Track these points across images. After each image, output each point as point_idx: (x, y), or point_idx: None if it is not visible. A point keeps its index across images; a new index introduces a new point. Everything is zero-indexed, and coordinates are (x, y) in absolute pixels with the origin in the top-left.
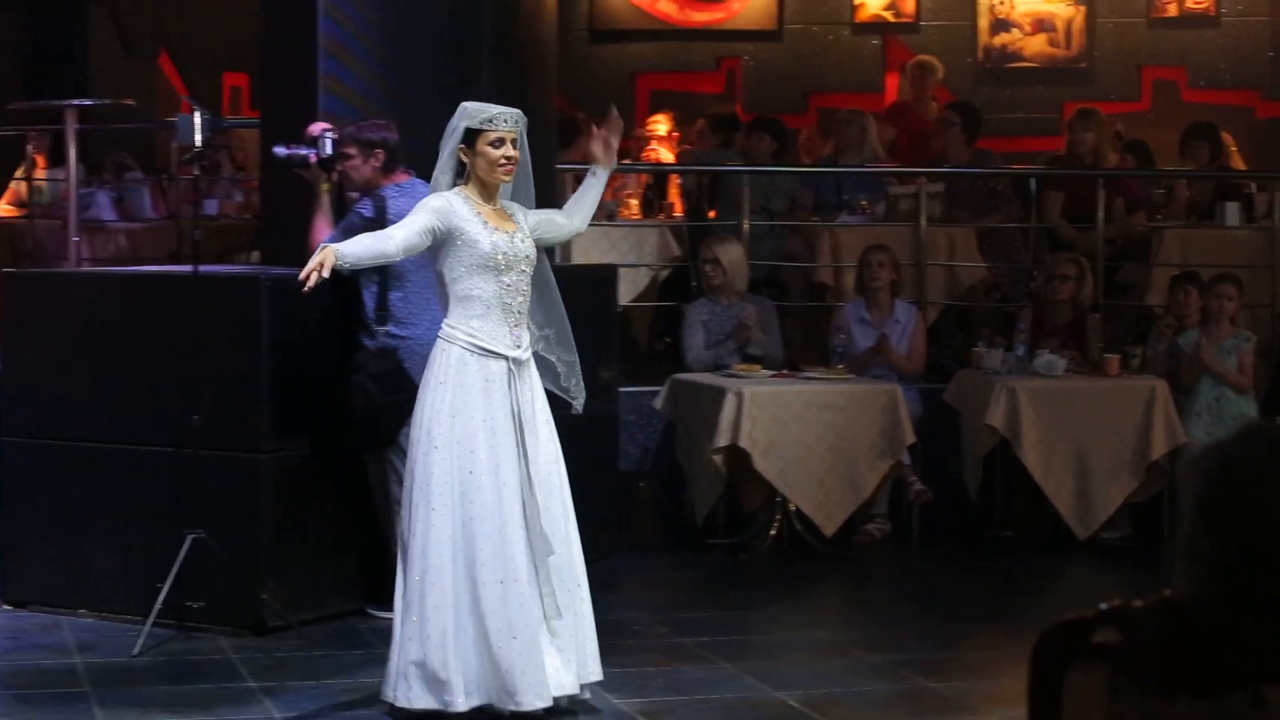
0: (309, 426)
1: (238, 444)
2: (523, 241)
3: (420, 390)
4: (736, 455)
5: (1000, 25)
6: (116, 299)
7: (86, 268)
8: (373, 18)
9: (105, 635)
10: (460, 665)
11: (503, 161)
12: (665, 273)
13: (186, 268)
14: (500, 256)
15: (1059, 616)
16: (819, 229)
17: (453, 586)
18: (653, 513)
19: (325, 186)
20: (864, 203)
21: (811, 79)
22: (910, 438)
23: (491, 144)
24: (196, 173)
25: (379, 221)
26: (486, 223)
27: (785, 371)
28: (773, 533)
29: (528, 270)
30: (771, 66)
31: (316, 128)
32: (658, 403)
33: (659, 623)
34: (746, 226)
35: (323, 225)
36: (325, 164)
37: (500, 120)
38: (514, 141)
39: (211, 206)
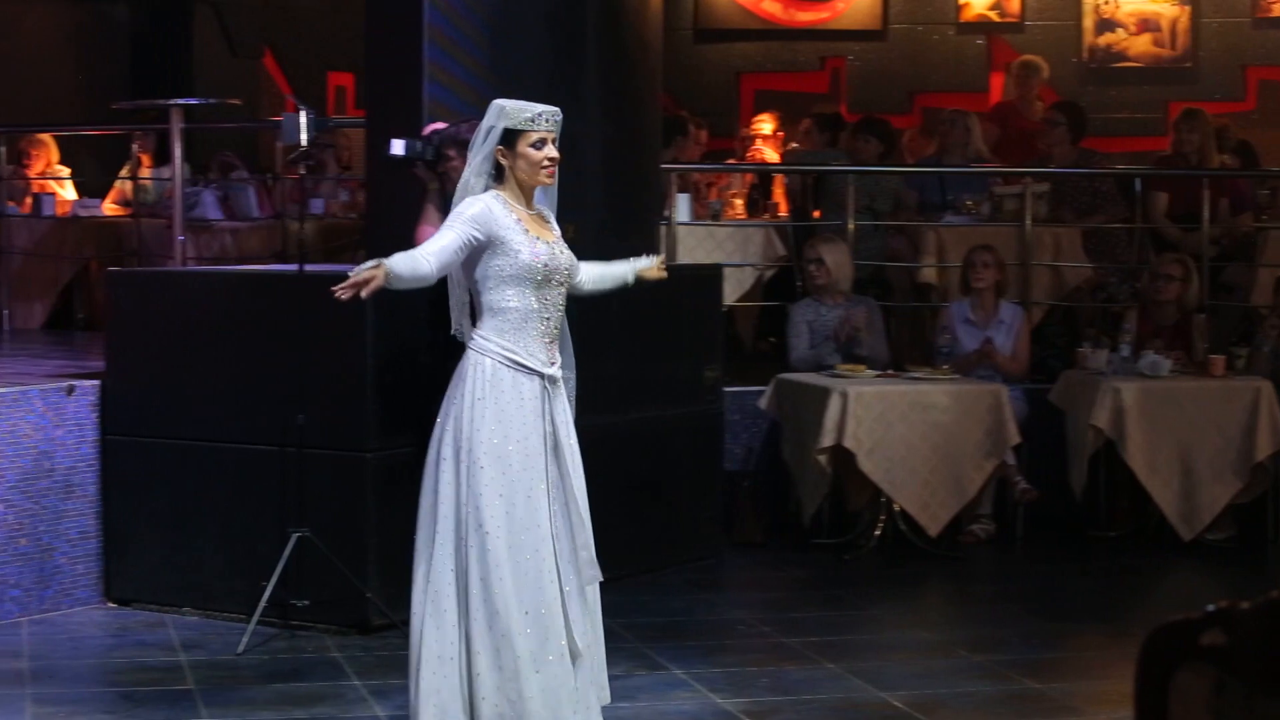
0: (413, 425)
1: (343, 443)
2: (562, 252)
3: (448, 403)
4: (841, 455)
5: (1105, 25)
6: (222, 298)
7: (192, 267)
8: (478, 16)
9: (210, 633)
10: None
11: (546, 163)
12: (770, 272)
13: (292, 267)
14: (541, 268)
15: (1165, 618)
16: (924, 229)
17: (504, 612)
18: (757, 512)
19: (433, 185)
20: (969, 203)
21: (916, 79)
22: (1015, 438)
23: (534, 145)
24: (302, 172)
25: None
26: (527, 231)
27: (890, 372)
28: (877, 533)
29: (565, 283)
30: (876, 66)
31: (430, 128)
32: (762, 402)
33: (763, 622)
34: (851, 226)
35: (428, 225)
36: (430, 164)
37: (542, 120)
38: (554, 141)
39: (317, 206)
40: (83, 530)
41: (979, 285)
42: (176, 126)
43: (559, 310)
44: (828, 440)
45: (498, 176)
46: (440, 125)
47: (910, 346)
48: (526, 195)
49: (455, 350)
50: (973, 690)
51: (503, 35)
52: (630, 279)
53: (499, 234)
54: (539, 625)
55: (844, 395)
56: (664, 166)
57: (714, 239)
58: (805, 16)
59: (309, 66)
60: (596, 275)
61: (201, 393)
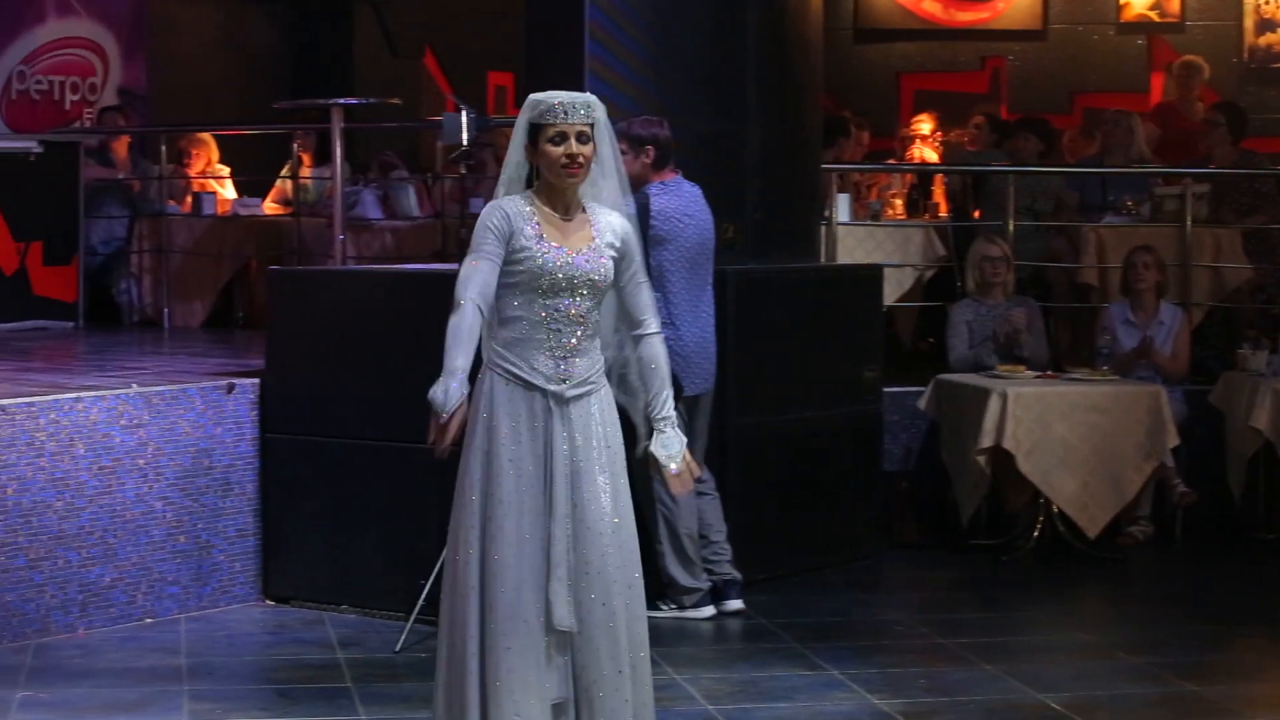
0: None
1: None
2: (590, 261)
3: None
4: (1000, 456)
5: (1266, 25)
6: (382, 297)
7: (352, 266)
8: (639, 15)
9: (368, 631)
10: None
11: (564, 161)
12: (930, 273)
13: (452, 265)
14: (547, 277)
15: None
16: (1084, 229)
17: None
18: (915, 513)
19: None
20: (1129, 203)
21: (1076, 79)
22: (1174, 440)
23: (551, 140)
24: (462, 171)
25: (640, 219)
26: (543, 236)
27: (1049, 372)
28: (1035, 534)
29: (590, 294)
30: (1036, 66)
31: None
32: (921, 403)
33: (921, 623)
34: (1011, 227)
35: None
36: None
37: (560, 111)
38: (581, 136)
39: (477, 205)
40: (241, 528)
41: (1139, 286)
42: (337, 126)
43: (575, 324)
44: (987, 441)
45: (534, 177)
46: None
47: (1070, 347)
48: (557, 195)
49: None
50: (1130, 692)
51: (664, 35)
52: (644, 432)
53: (512, 239)
54: (517, 664)
55: (1003, 396)
56: (824, 167)
57: (874, 239)
58: (965, 16)
59: (469, 66)
60: (641, 363)
61: (360, 391)
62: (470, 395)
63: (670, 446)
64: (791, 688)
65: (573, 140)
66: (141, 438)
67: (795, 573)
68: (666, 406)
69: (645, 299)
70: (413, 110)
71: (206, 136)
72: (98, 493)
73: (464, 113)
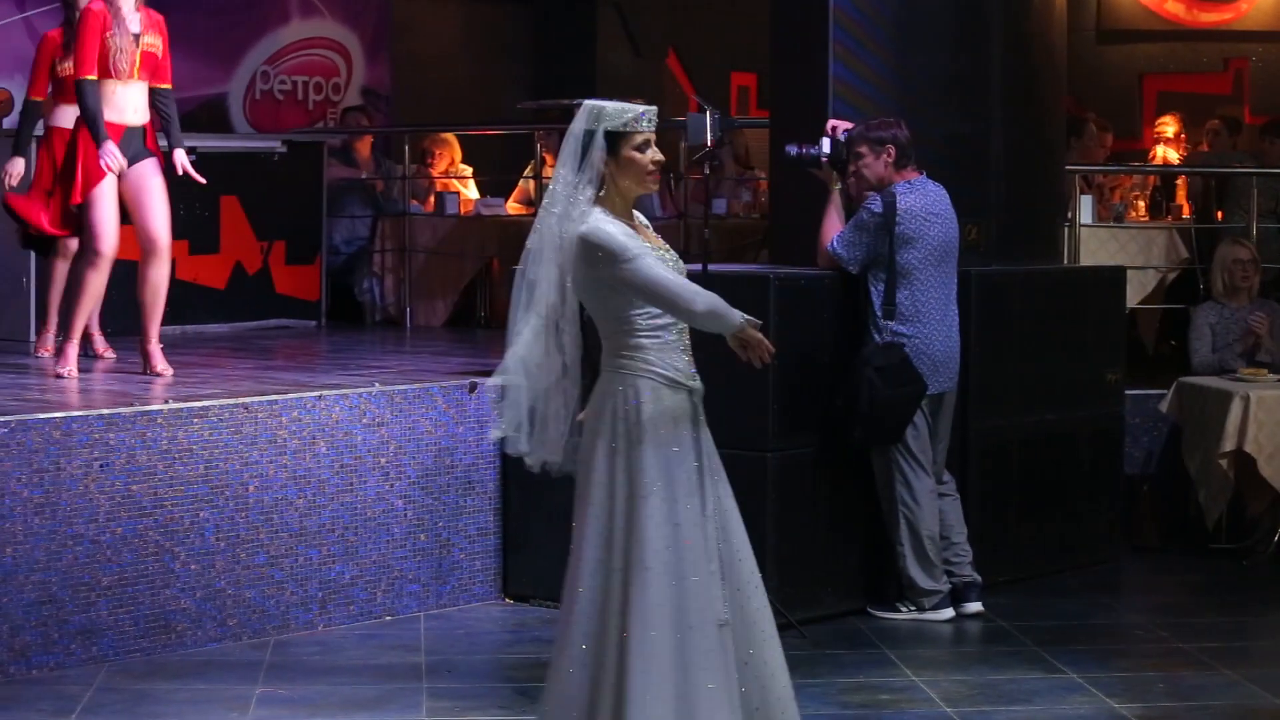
0: (813, 424)
1: (744, 442)
2: (672, 256)
3: (594, 431)
4: (1242, 459)
5: None
6: None
7: None
8: (883, 16)
9: None
10: None
11: (652, 167)
12: (1172, 275)
13: (696, 266)
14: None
15: None
16: None
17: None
18: (1155, 516)
19: (837, 185)
20: None
21: None
22: None
23: (638, 148)
24: (706, 172)
25: (887, 218)
26: (643, 243)
27: None
28: (1277, 539)
29: None
30: None
31: (831, 125)
32: (1163, 406)
33: (1160, 627)
34: (1255, 229)
35: (833, 223)
36: (837, 163)
37: (644, 120)
38: (654, 142)
39: (719, 206)
40: (481, 527)
41: None
42: None
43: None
44: (1229, 444)
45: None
46: (840, 123)
47: None
48: (628, 206)
49: (859, 348)
50: None
51: (906, 36)
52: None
53: None
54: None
55: (1245, 399)
56: (1067, 168)
57: (1117, 241)
58: (1208, 17)
59: (712, 66)
60: None
61: None
62: (599, 404)
63: None
64: (1030, 691)
65: (654, 147)
66: (383, 436)
67: (1035, 575)
68: None
69: None
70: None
71: (450, 136)
72: (339, 490)
73: (708, 113)
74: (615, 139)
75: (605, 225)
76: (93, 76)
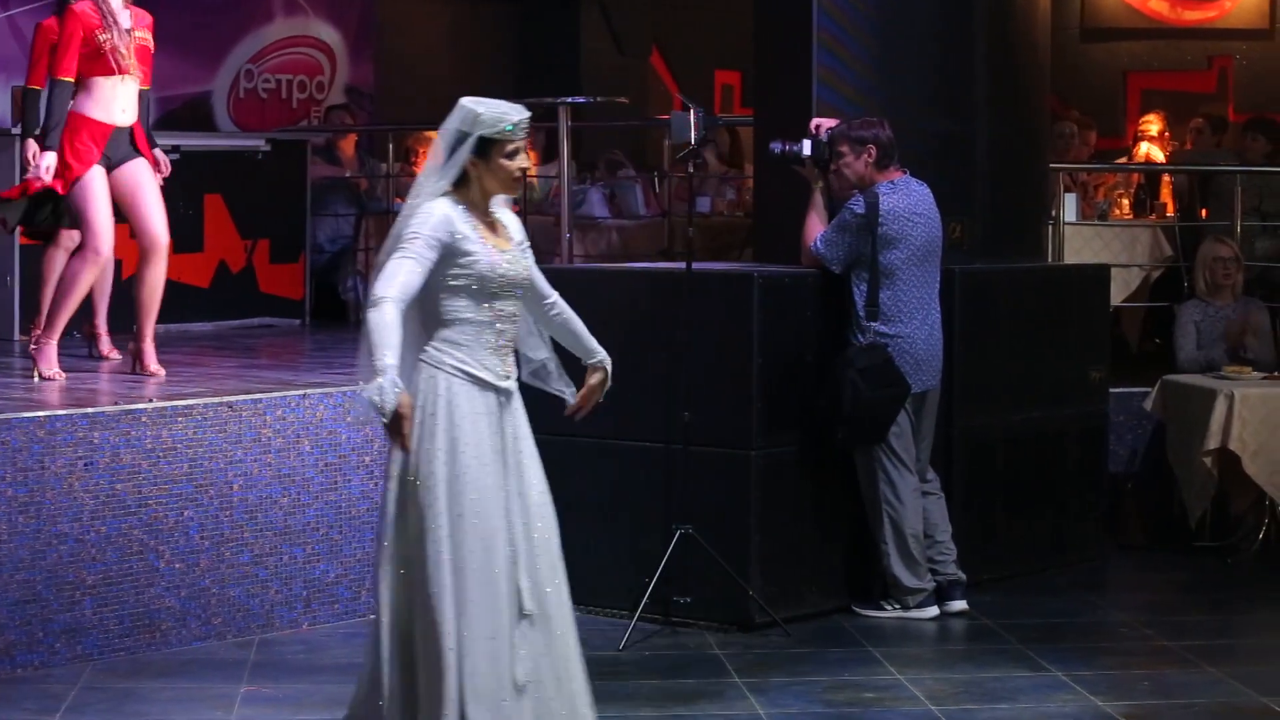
0: (798, 423)
1: (728, 440)
2: (518, 261)
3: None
4: (1226, 457)
5: None
6: (609, 295)
7: (578, 264)
8: (867, 15)
9: (592, 629)
10: None
11: (518, 175)
12: (1157, 273)
13: (679, 265)
14: (498, 278)
15: None
16: None
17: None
18: (1141, 514)
19: (819, 184)
20: None
21: None
22: None
23: (508, 156)
24: (690, 170)
25: (869, 218)
26: (484, 240)
27: (1276, 374)
28: (1261, 536)
29: (521, 293)
30: (1264, 66)
31: (815, 123)
32: (1148, 404)
33: (1145, 625)
34: (1239, 227)
35: (816, 223)
36: (819, 161)
37: (519, 129)
38: (525, 150)
39: (704, 204)
40: None
41: None
42: (564, 125)
43: (513, 322)
44: (1213, 442)
45: (457, 182)
46: (824, 121)
47: None
48: (487, 201)
49: (842, 347)
50: None
51: (891, 34)
52: (587, 362)
53: (456, 244)
54: (500, 652)
55: (1230, 397)
56: (1051, 166)
57: (1101, 239)
58: (1192, 15)
59: (696, 64)
60: (565, 325)
61: None
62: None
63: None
64: (1015, 689)
65: (523, 154)
66: (368, 434)
67: (1020, 574)
68: (588, 342)
69: (540, 276)
70: (639, 109)
71: (434, 135)
72: (323, 489)
73: (692, 111)
74: (487, 144)
75: (432, 215)
76: (68, 79)
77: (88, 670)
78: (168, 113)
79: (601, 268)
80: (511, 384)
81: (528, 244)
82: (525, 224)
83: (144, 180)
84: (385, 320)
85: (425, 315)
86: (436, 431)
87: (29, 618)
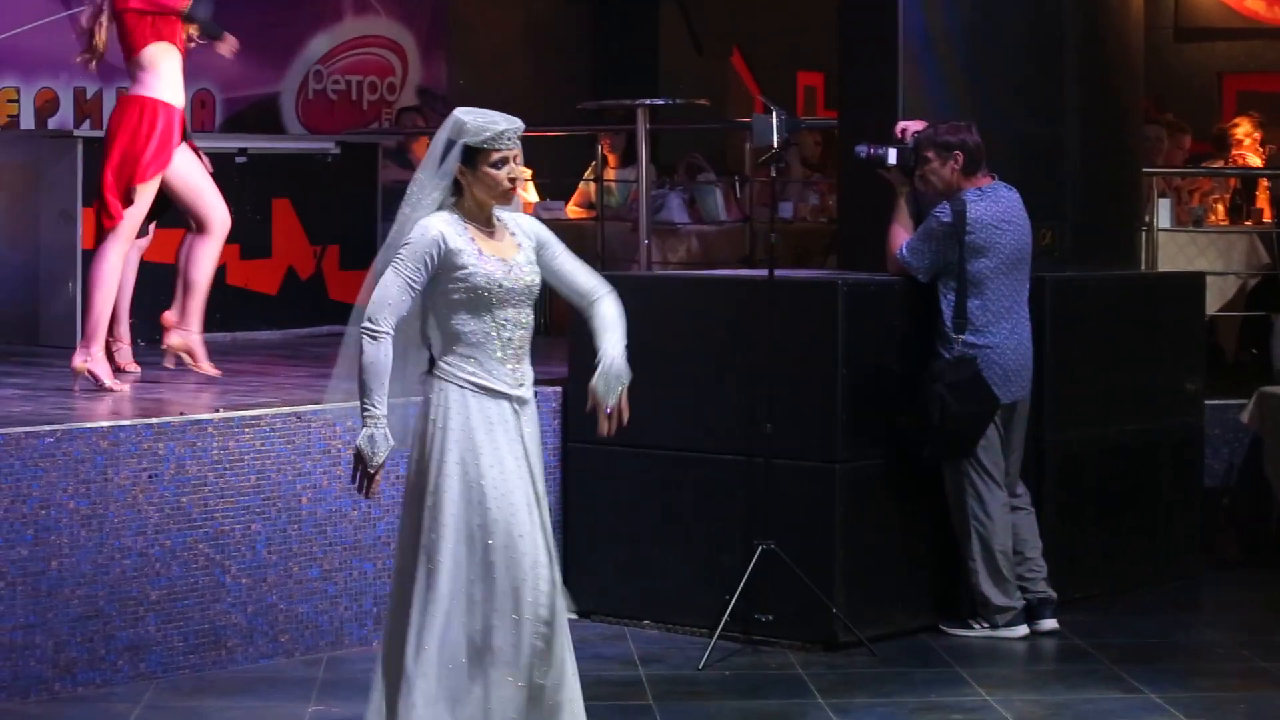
0: (883, 435)
1: (811, 453)
2: (523, 269)
3: (415, 436)
4: None
5: None
6: (688, 303)
7: (658, 271)
8: (954, 17)
9: (670, 647)
10: None
11: (507, 185)
12: (1253, 281)
13: (761, 272)
14: (496, 289)
15: None
16: None
17: (466, 649)
18: (1237, 530)
19: (905, 189)
20: None
21: None
22: None
23: (494, 165)
24: (773, 174)
25: (956, 227)
26: (481, 251)
27: None
28: None
29: (529, 300)
30: None
31: (901, 127)
32: (1244, 416)
33: (1241, 645)
34: None
35: (901, 230)
36: (905, 168)
37: (505, 138)
38: (518, 158)
39: (786, 209)
40: None
41: None
42: (643, 127)
43: (522, 328)
44: None
45: (454, 192)
46: (910, 124)
47: None
48: (485, 211)
49: (929, 358)
50: None
51: (980, 36)
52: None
53: (448, 259)
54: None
55: None
56: (1145, 171)
57: (1196, 246)
58: None
59: (777, 65)
60: (594, 322)
61: (666, 400)
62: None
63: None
64: (1106, 711)
65: (513, 163)
66: None
67: (1112, 591)
68: (619, 345)
69: (581, 268)
70: (720, 111)
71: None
72: (394, 502)
73: (774, 114)
74: (473, 153)
75: (426, 233)
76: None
77: (151, 689)
78: (234, 114)
79: (681, 275)
80: (525, 391)
81: (552, 244)
82: (602, 231)
83: (194, 160)
84: (380, 360)
85: (437, 331)
86: (449, 445)
87: (91, 634)
